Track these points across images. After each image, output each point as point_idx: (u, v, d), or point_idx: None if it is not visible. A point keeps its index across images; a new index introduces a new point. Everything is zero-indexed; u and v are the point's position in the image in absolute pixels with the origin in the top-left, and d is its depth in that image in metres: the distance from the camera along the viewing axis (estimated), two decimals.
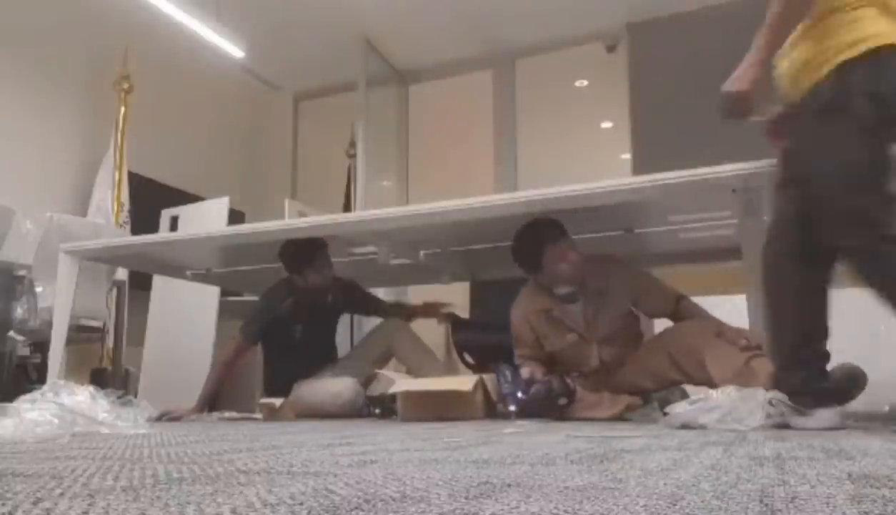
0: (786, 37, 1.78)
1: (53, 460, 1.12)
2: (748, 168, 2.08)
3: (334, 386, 3.02)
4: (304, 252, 3.04)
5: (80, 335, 3.74)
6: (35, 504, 0.65)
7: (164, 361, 4.27)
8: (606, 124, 6.33)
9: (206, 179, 5.41)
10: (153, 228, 4.73)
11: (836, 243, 1.72)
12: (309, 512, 0.61)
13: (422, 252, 3.22)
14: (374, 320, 3.64)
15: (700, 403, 1.88)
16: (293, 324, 3.16)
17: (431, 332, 3.89)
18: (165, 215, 4.89)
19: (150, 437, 1.69)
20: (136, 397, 2.40)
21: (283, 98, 6.51)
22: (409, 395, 2.59)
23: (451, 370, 3.70)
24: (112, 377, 3.98)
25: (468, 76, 6.03)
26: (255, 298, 3.46)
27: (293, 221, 3.70)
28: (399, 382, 2.71)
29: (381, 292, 3.85)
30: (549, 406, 2.36)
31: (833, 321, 1.81)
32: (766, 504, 0.65)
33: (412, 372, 3.26)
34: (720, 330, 2.39)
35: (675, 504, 0.65)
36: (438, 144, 6.07)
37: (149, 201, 4.84)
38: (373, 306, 3.58)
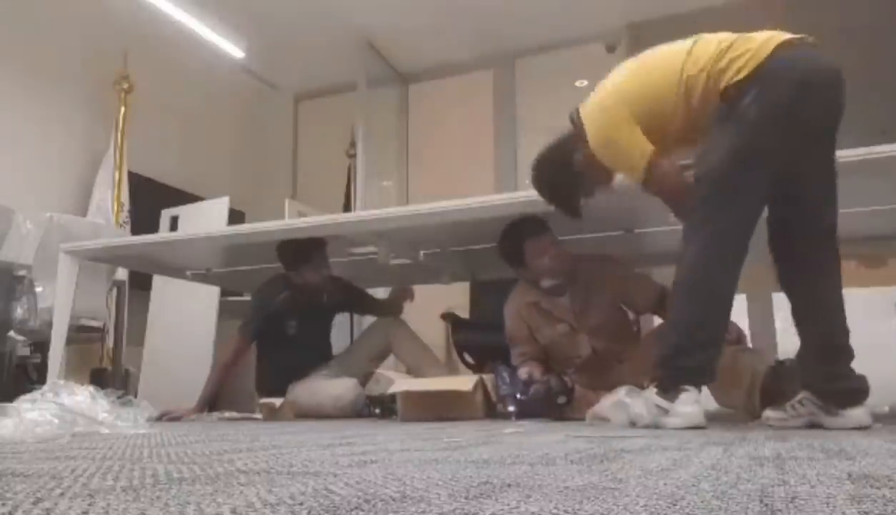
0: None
1: (53, 460, 1.12)
2: None
3: (335, 388, 3.02)
4: (302, 249, 3.04)
5: (80, 335, 3.74)
6: (35, 504, 0.65)
7: (164, 361, 4.27)
8: None
9: (206, 179, 5.41)
10: (153, 228, 4.73)
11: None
12: (309, 512, 0.61)
13: (422, 252, 3.22)
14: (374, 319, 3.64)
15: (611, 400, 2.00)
16: (287, 319, 3.16)
17: (431, 332, 3.89)
18: (165, 215, 4.89)
19: (150, 437, 1.69)
20: (136, 397, 2.40)
21: (283, 98, 6.51)
22: (409, 395, 2.59)
23: (451, 370, 3.70)
24: (112, 377, 3.98)
25: (468, 76, 6.03)
26: None
27: (293, 221, 3.70)
28: (398, 382, 2.71)
29: (382, 293, 3.85)
30: (548, 406, 2.38)
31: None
32: (766, 504, 0.65)
33: (411, 370, 3.26)
34: None
35: (675, 504, 0.65)
36: (438, 144, 6.07)
37: (149, 201, 4.84)
38: (369, 306, 3.58)
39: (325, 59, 5.77)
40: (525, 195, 2.54)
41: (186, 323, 4.32)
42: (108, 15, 4.68)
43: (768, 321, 2.53)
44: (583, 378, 2.61)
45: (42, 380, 3.08)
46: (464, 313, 4.16)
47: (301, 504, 0.65)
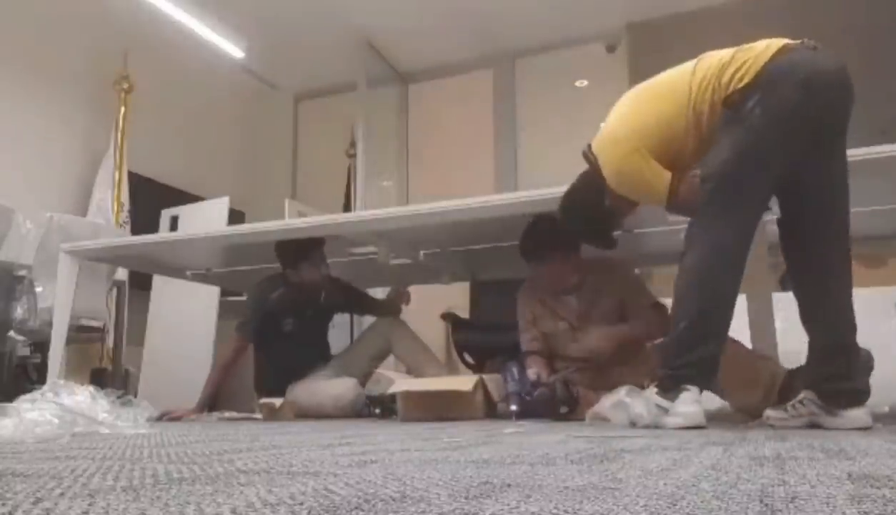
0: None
1: (53, 460, 1.12)
2: None
3: (335, 388, 3.02)
4: (300, 248, 3.04)
5: (80, 334, 3.74)
6: (35, 504, 0.65)
7: (164, 361, 4.27)
8: None
9: (206, 179, 5.41)
10: (153, 228, 4.73)
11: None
12: (309, 512, 0.61)
13: (422, 252, 3.22)
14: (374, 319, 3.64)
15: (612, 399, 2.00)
16: (283, 317, 3.16)
17: (431, 332, 3.89)
18: (165, 215, 4.89)
19: (150, 437, 1.69)
20: (136, 397, 2.40)
21: (283, 98, 6.51)
22: (409, 395, 2.59)
23: (451, 370, 3.70)
24: (112, 377, 3.98)
25: (468, 76, 6.03)
26: None
27: (293, 221, 3.70)
28: (398, 382, 2.71)
29: (382, 293, 3.85)
30: (550, 411, 2.39)
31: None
32: (766, 504, 0.65)
33: (411, 370, 3.26)
34: None
35: (675, 504, 0.65)
36: (438, 144, 6.07)
37: (149, 201, 4.84)
38: (367, 306, 3.58)
39: (325, 60, 5.77)
40: (525, 195, 2.55)
41: (186, 323, 4.32)
42: (109, 15, 4.68)
43: (768, 321, 2.53)
44: (583, 378, 2.62)
45: (42, 380, 3.08)
46: (464, 314, 4.16)
47: (301, 504, 0.65)
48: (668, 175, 1.95)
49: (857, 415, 1.82)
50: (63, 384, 1.95)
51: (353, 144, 5.73)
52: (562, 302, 2.75)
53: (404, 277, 3.62)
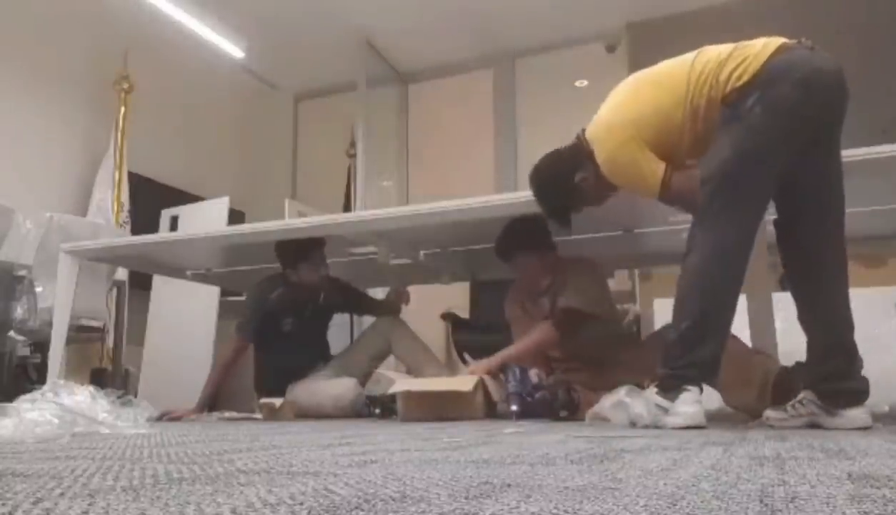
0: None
1: (53, 460, 1.11)
2: None
3: (335, 388, 3.02)
4: (300, 248, 3.04)
5: (80, 334, 3.74)
6: (35, 504, 0.65)
7: (164, 361, 4.27)
8: None
9: (206, 179, 5.41)
10: (153, 228, 4.73)
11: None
12: (309, 512, 0.61)
13: (422, 252, 3.22)
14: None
15: (612, 399, 2.00)
16: (283, 317, 3.16)
17: (431, 332, 3.89)
18: (165, 215, 4.89)
19: (150, 437, 1.69)
20: (136, 397, 2.40)
21: (283, 98, 6.51)
22: (410, 395, 2.59)
23: (451, 370, 3.70)
24: (112, 377, 3.98)
25: (468, 76, 6.03)
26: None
27: (293, 221, 3.70)
28: (399, 382, 2.70)
29: (381, 293, 3.85)
30: (550, 413, 2.40)
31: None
32: (766, 504, 0.65)
33: (410, 370, 3.26)
34: None
35: (675, 504, 0.65)
36: (438, 144, 6.07)
37: (149, 201, 4.84)
38: (367, 306, 3.57)
39: (325, 60, 5.77)
40: (525, 195, 2.54)
41: (186, 323, 4.31)
42: (109, 15, 4.68)
43: (768, 321, 2.53)
44: (582, 379, 2.62)
45: (42, 380, 3.08)
46: (464, 314, 4.16)
47: (301, 504, 0.65)
48: (662, 166, 1.94)
49: (857, 415, 1.82)
50: (63, 384, 1.95)
51: (353, 144, 5.73)
52: (538, 304, 2.81)
53: (404, 277, 3.62)
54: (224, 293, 4.32)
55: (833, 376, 1.86)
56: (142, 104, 4.79)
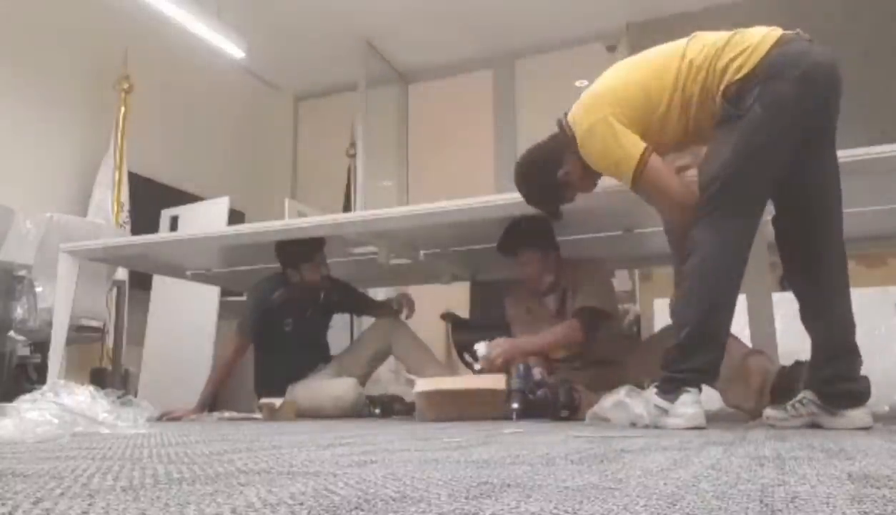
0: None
1: (53, 460, 1.11)
2: None
3: (335, 388, 3.02)
4: (303, 248, 3.04)
5: (80, 334, 3.73)
6: (35, 504, 0.65)
7: (164, 361, 4.27)
8: None
9: (206, 179, 5.41)
10: (153, 228, 4.73)
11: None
12: (309, 512, 0.61)
13: (422, 252, 3.22)
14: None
15: (612, 399, 2.00)
16: (284, 317, 3.16)
17: (431, 332, 3.89)
18: (165, 215, 4.89)
19: (150, 437, 1.69)
20: (136, 397, 2.40)
21: (283, 98, 6.51)
22: (433, 394, 2.54)
23: (451, 370, 3.70)
24: (112, 377, 3.98)
25: (468, 76, 6.03)
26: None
27: (293, 221, 3.70)
28: (420, 382, 2.65)
29: (381, 293, 3.85)
30: (551, 413, 2.39)
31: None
32: (766, 504, 0.65)
33: (410, 370, 3.26)
34: None
35: (675, 504, 0.65)
36: (438, 144, 6.07)
37: (149, 201, 4.84)
38: (367, 306, 3.57)
39: (325, 60, 5.77)
40: None
41: (186, 323, 4.31)
42: (109, 15, 4.68)
43: (768, 321, 2.53)
44: (582, 378, 2.62)
45: (42, 380, 3.08)
46: (464, 314, 4.16)
47: (301, 504, 0.65)
48: (640, 146, 1.91)
49: (858, 415, 1.81)
50: (63, 384, 1.95)
51: (353, 144, 5.73)
52: (542, 304, 2.81)
53: (404, 277, 3.62)
54: (224, 293, 4.32)
55: (834, 377, 1.85)
56: (142, 104, 4.79)
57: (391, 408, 2.97)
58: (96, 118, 4.73)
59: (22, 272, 3.42)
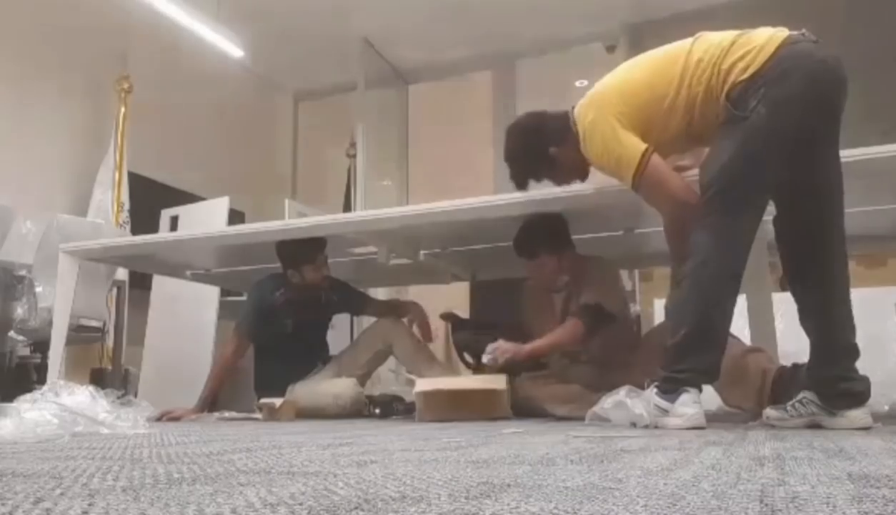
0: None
1: (53, 460, 1.12)
2: None
3: (335, 388, 3.02)
4: (304, 249, 3.04)
5: (80, 334, 3.74)
6: (35, 504, 0.65)
7: (164, 361, 4.27)
8: None
9: (206, 179, 5.40)
10: (153, 228, 4.73)
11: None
12: (309, 512, 0.61)
13: (422, 252, 3.22)
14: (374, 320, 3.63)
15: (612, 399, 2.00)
16: (284, 318, 3.16)
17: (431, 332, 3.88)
18: (165, 215, 4.89)
19: (150, 437, 1.69)
20: (136, 397, 2.40)
21: (283, 98, 6.51)
22: (433, 394, 2.54)
23: (451, 370, 3.69)
24: (112, 377, 3.98)
25: (468, 76, 6.03)
26: None
27: (293, 221, 3.70)
28: (421, 381, 2.65)
29: (381, 292, 3.85)
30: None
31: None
32: (766, 504, 0.65)
33: (410, 370, 3.26)
34: None
35: (675, 504, 0.65)
36: (438, 144, 6.07)
37: (149, 201, 4.84)
38: (367, 305, 3.57)
39: (325, 60, 5.77)
40: (525, 196, 2.54)
41: (186, 323, 4.31)
42: (109, 15, 4.68)
43: (768, 321, 2.53)
44: (583, 376, 2.62)
45: (42, 380, 3.08)
46: (464, 313, 4.15)
47: (301, 504, 0.65)
48: (641, 146, 1.92)
49: (857, 415, 1.81)
50: (63, 384, 1.95)
51: (353, 144, 5.73)
52: (552, 300, 2.80)
53: (404, 277, 3.62)
54: (224, 293, 4.32)
55: (834, 377, 1.85)
56: (142, 104, 4.79)
57: (391, 408, 2.96)
58: (96, 118, 4.73)
59: (22, 272, 3.42)
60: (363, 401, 3.01)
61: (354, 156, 5.68)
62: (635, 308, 4.44)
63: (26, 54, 4.42)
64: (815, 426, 1.87)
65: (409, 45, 5.77)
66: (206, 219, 4.59)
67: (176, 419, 2.82)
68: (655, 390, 1.87)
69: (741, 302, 2.36)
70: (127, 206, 4.63)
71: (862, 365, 1.88)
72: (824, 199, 1.90)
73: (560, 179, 2.28)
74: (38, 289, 3.37)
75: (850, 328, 1.88)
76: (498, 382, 2.51)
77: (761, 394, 2.22)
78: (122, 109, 4.68)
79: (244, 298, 4.13)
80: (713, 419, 2.01)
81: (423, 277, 3.65)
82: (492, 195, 2.70)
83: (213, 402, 3.11)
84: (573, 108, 2.14)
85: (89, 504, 0.65)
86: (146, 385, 4.26)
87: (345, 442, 1.50)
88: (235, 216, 4.81)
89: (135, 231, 4.41)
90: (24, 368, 3.58)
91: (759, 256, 2.30)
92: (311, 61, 5.88)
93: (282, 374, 3.15)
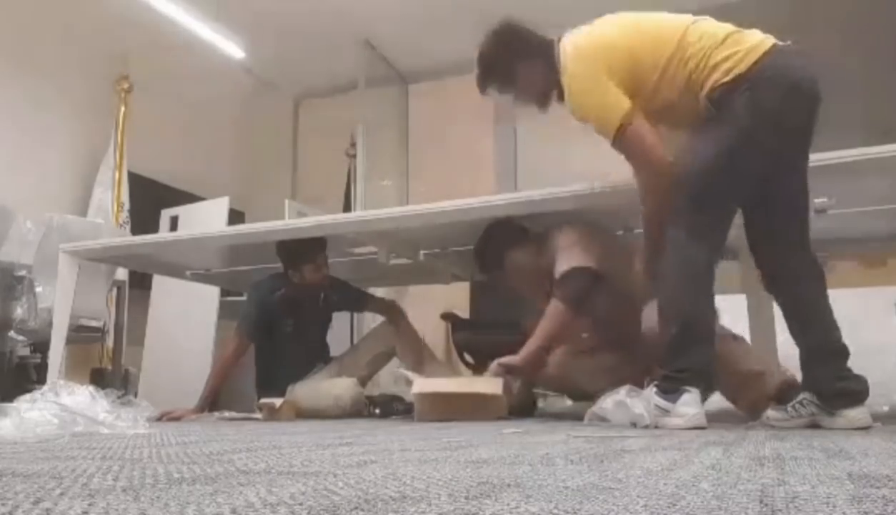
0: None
1: (53, 460, 1.12)
2: None
3: (335, 388, 3.02)
4: (305, 249, 3.04)
5: (80, 334, 3.74)
6: (35, 504, 0.65)
7: (164, 361, 4.27)
8: None
9: (206, 179, 5.41)
10: (153, 228, 4.73)
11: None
12: (309, 512, 0.61)
13: (422, 252, 3.21)
14: (375, 320, 3.63)
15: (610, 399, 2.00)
16: (284, 318, 3.16)
17: (432, 332, 3.89)
18: (165, 215, 4.89)
19: (150, 437, 1.69)
20: (136, 397, 2.40)
21: (283, 98, 6.50)
22: (430, 396, 2.54)
23: (451, 370, 3.70)
24: (112, 377, 3.98)
25: (468, 76, 5.99)
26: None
27: (293, 221, 3.70)
28: (418, 382, 2.65)
29: (381, 292, 3.85)
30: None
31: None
32: (766, 504, 0.65)
33: (412, 370, 3.25)
34: None
35: (675, 504, 0.65)
36: (438, 143, 6.07)
37: (149, 201, 4.84)
38: (364, 302, 3.57)
39: (325, 60, 5.77)
40: (525, 195, 2.55)
41: (186, 323, 4.31)
42: (109, 15, 4.68)
43: (768, 321, 2.53)
44: (582, 376, 2.63)
45: (42, 380, 3.08)
46: (464, 313, 4.16)
47: (301, 504, 0.65)
48: (625, 105, 1.93)
49: (857, 415, 1.82)
50: (63, 384, 1.95)
51: (353, 144, 5.73)
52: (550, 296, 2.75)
53: (404, 277, 3.62)
54: (224, 293, 4.32)
55: (832, 377, 1.86)
56: (142, 104, 4.79)
57: (391, 408, 2.96)
58: (96, 118, 4.73)
59: (22, 272, 3.42)
60: (363, 401, 3.01)
61: (354, 156, 5.67)
62: None
63: (26, 54, 4.43)
64: (814, 426, 1.87)
65: (409, 45, 5.76)
66: (206, 219, 4.59)
67: (176, 419, 2.82)
68: (655, 389, 1.87)
69: (741, 302, 2.36)
70: (127, 206, 4.64)
71: (862, 365, 1.89)
72: (791, 209, 1.95)
73: (518, 96, 2.27)
74: (38, 289, 3.37)
75: (834, 328, 1.90)
76: (495, 386, 2.50)
77: (763, 404, 2.20)
78: (122, 109, 4.68)
79: (244, 298, 4.13)
80: (713, 419, 2.01)
81: (423, 277, 3.65)
82: (492, 195, 2.69)
83: (213, 402, 3.11)
84: (559, 39, 2.13)
85: (89, 504, 0.65)
86: (146, 385, 4.27)
87: (345, 442, 1.50)
88: (235, 216, 4.82)
89: (135, 231, 4.41)
90: (24, 368, 3.58)
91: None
92: (311, 62, 5.88)
93: (282, 374, 3.15)
